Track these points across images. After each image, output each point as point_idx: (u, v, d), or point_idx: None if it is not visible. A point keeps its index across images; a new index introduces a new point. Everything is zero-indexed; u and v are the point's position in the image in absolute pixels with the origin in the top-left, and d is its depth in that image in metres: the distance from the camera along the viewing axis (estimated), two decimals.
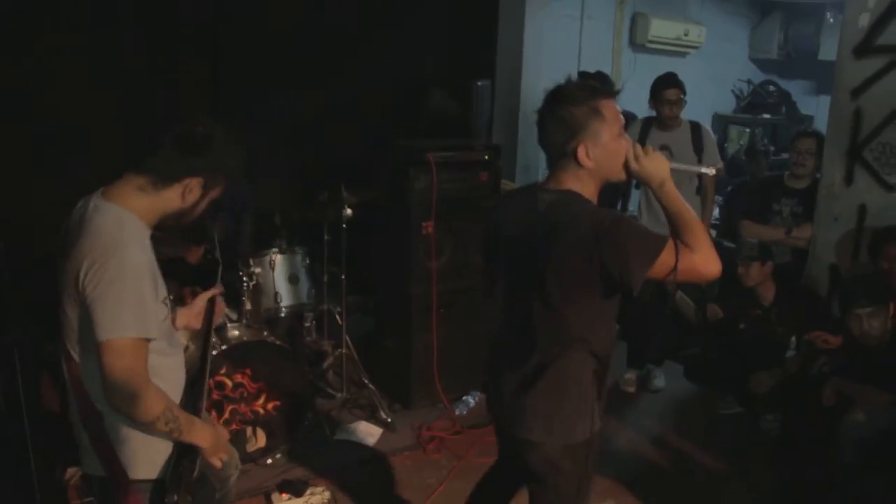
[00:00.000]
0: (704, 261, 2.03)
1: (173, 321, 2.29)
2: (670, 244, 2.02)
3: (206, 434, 2.17)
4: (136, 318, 1.93)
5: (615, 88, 2.20)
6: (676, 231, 2.08)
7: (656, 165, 2.13)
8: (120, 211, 2.01)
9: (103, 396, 1.97)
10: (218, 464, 2.26)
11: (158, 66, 4.71)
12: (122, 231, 1.97)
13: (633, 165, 2.12)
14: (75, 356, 2.04)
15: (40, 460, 3.11)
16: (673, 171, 2.17)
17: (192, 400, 2.25)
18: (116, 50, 4.55)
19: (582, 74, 5.63)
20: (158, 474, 2.13)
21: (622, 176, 2.17)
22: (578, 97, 2.08)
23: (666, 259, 2.00)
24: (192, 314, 2.52)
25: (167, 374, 2.14)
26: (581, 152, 2.08)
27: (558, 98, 2.11)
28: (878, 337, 3.56)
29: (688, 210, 2.12)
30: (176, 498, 2.06)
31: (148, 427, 2.02)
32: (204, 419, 2.36)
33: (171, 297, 2.16)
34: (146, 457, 2.11)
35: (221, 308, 2.62)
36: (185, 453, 2.14)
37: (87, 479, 2.19)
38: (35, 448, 3.06)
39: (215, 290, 2.57)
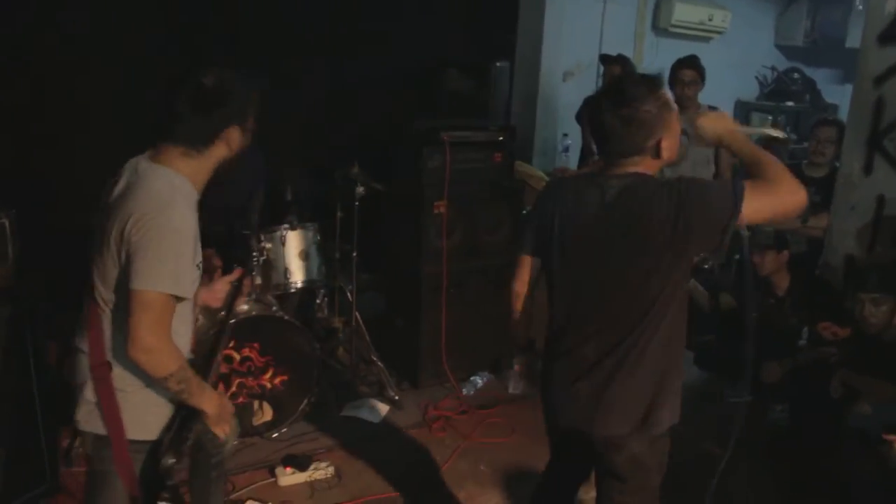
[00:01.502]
0: (790, 189, 2.03)
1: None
2: (752, 186, 2.01)
3: (213, 400, 2.21)
4: (173, 275, 1.99)
5: (659, 76, 2.21)
6: (756, 174, 2.07)
7: (719, 120, 2.24)
8: (171, 174, 2.08)
9: (121, 347, 2.01)
10: (221, 434, 2.31)
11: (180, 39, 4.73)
12: (174, 192, 2.05)
13: (702, 127, 2.20)
14: (102, 303, 2.09)
15: (48, 424, 3.16)
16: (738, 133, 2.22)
17: (201, 373, 2.26)
18: (135, 27, 4.58)
19: (603, 58, 5.58)
20: (155, 436, 2.15)
21: (674, 157, 2.22)
22: (644, 94, 2.10)
23: (750, 202, 1.98)
24: (213, 294, 2.58)
25: (178, 339, 2.15)
26: (664, 146, 2.13)
27: (623, 98, 2.10)
28: (879, 325, 3.51)
29: (761, 151, 2.14)
30: (172, 460, 2.09)
31: (160, 382, 2.06)
32: None
33: (201, 264, 2.20)
34: (145, 418, 2.14)
35: (247, 290, 2.64)
36: (185, 419, 2.16)
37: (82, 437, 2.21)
38: (43, 412, 3.11)
39: (238, 274, 2.60)
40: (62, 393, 2.29)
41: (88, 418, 2.13)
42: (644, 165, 2.16)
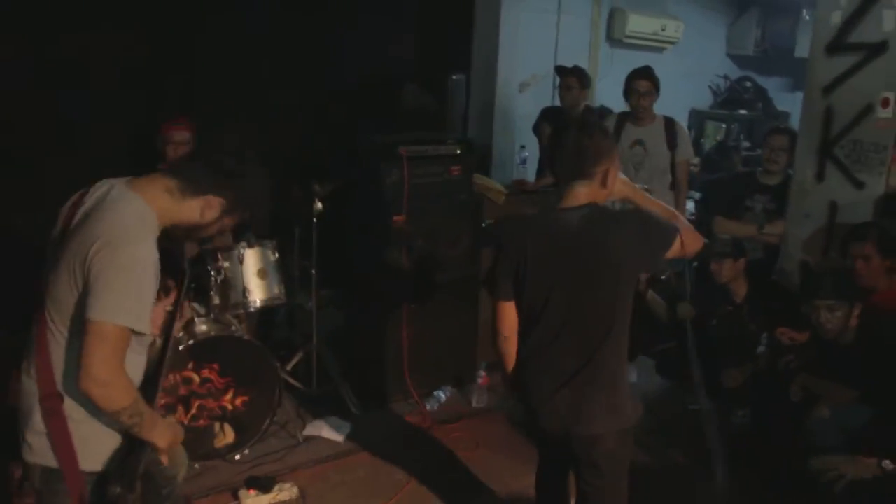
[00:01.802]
0: (695, 238, 2.54)
1: None
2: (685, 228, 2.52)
3: (165, 434, 2.17)
4: (135, 309, 1.96)
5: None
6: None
7: (627, 183, 2.66)
8: (144, 206, 2.05)
9: (73, 376, 1.96)
10: (165, 461, 2.27)
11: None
12: (142, 224, 2.02)
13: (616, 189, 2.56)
14: (53, 328, 2.03)
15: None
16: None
17: (147, 397, 2.20)
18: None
19: (559, 69, 5.62)
20: (102, 467, 2.10)
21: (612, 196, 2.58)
22: (597, 125, 2.56)
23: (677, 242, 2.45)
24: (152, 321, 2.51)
25: (132, 370, 2.11)
26: (611, 175, 2.46)
27: (585, 130, 2.45)
28: (835, 330, 3.57)
29: (660, 205, 2.66)
30: (118, 490, 2.03)
31: (111, 416, 2.01)
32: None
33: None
34: (95, 448, 2.09)
35: (185, 314, 2.58)
36: (133, 448, 2.11)
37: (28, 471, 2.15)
38: None
39: (173, 299, 2.48)
40: (8, 421, 2.22)
41: (37, 449, 2.07)
42: (592, 195, 2.45)
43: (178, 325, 2.50)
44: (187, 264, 2.36)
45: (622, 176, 2.60)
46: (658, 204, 2.67)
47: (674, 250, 2.45)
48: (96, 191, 2.08)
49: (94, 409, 2.02)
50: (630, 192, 2.66)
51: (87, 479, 2.08)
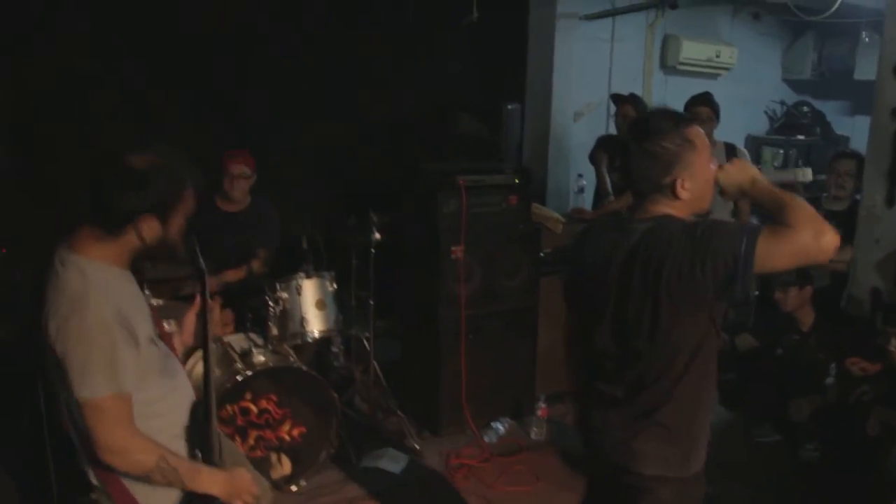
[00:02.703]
0: (814, 234, 1.86)
1: (173, 349, 2.24)
2: (766, 229, 1.90)
3: (215, 481, 2.10)
4: (106, 375, 1.88)
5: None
6: (779, 219, 1.93)
7: (742, 170, 2.13)
8: (84, 262, 1.95)
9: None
10: (249, 501, 2.17)
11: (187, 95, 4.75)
12: (86, 285, 1.91)
13: (723, 180, 2.12)
14: (66, 410, 2.00)
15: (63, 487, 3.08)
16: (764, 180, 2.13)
17: (201, 434, 2.18)
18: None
19: (614, 97, 5.57)
20: None
21: (707, 207, 2.19)
22: (667, 129, 2.08)
23: (765, 247, 1.87)
24: (186, 335, 2.48)
25: (167, 413, 2.09)
26: (679, 186, 2.08)
27: (646, 132, 2.10)
28: None
29: (785, 194, 1.99)
30: None
31: (145, 480, 1.97)
32: (227, 448, 2.29)
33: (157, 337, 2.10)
34: (161, 493, 2.05)
35: (217, 319, 2.53)
36: (193, 498, 2.07)
37: None
38: (58, 475, 3.03)
39: (197, 305, 2.44)
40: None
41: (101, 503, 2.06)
42: (668, 207, 2.12)
43: (211, 326, 2.35)
44: (202, 264, 2.25)
45: (745, 158, 2.33)
46: (775, 194, 2.02)
47: (773, 257, 1.88)
48: (51, 262, 1.98)
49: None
50: (744, 183, 2.11)
51: None
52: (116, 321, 1.91)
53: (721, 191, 2.16)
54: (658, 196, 2.12)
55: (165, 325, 2.44)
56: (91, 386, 1.87)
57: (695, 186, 2.09)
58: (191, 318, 2.49)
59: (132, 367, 1.94)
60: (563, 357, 2.57)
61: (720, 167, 2.14)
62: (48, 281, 1.94)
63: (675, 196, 2.09)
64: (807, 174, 2.33)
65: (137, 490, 2.03)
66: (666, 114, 2.16)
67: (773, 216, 1.97)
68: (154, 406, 2.03)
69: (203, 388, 2.23)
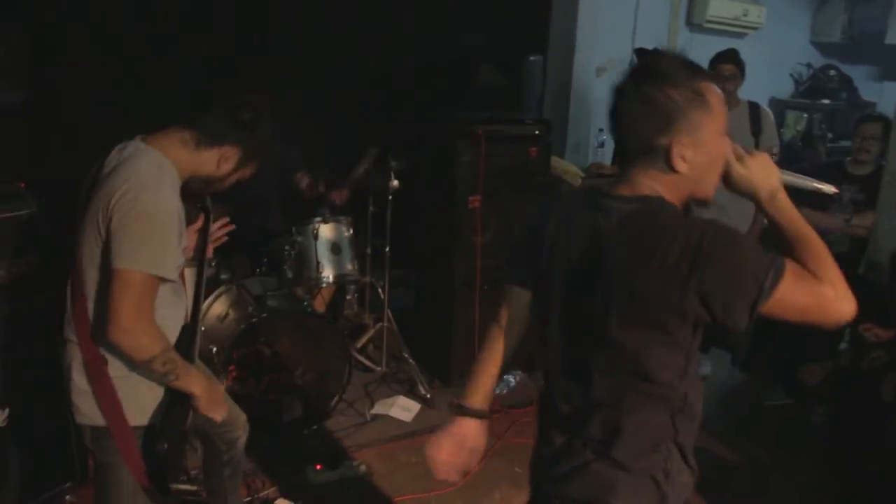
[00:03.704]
0: (837, 297, 1.49)
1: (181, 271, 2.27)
2: (795, 272, 1.49)
3: (200, 382, 2.17)
4: (155, 255, 1.95)
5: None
6: (793, 255, 1.55)
7: (766, 171, 1.65)
8: (160, 156, 2.05)
9: (105, 332, 1.96)
10: (217, 418, 2.26)
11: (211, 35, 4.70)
12: (161, 173, 2.02)
13: (738, 170, 1.65)
14: (89, 288, 2.04)
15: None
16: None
17: (185, 345, 2.22)
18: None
19: (638, 51, 5.46)
20: (149, 420, 2.11)
21: (710, 193, 1.67)
22: (678, 76, 1.57)
23: (787, 292, 1.46)
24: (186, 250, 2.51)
25: (168, 322, 2.13)
26: (676, 153, 1.56)
27: (650, 74, 1.59)
28: None
29: (809, 228, 1.60)
30: (166, 446, 2.05)
31: (143, 365, 2.01)
32: (197, 367, 2.34)
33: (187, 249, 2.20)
34: (139, 402, 2.10)
35: (215, 232, 2.58)
36: (176, 401, 2.13)
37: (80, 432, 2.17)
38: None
39: (201, 221, 2.49)
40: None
41: (84, 410, 2.09)
42: (660, 183, 1.60)
43: (210, 247, 2.50)
44: (209, 202, 2.41)
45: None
46: (799, 222, 1.61)
47: (783, 307, 1.46)
48: (114, 153, 2.09)
49: (131, 363, 2.03)
50: (763, 188, 1.64)
51: (136, 434, 2.09)
52: (177, 213, 2.02)
53: (726, 180, 1.68)
54: (648, 164, 1.60)
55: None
56: (138, 259, 1.93)
57: (697, 160, 1.58)
58: (192, 233, 2.52)
59: (173, 260, 2.02)
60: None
61: (738, 150, 1.67)
62: (117, 165, 2.01)
63: (670, 167, 1.58)
64: (829, 186, 1.91)
65: (124, 391, 2.06)
66: (681, 59, 1.62)
67: (787, 245, 1.60)
68: (160, 308, 2.06)
69: (192, 307, 2.32)
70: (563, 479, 1.73)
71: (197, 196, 2.26)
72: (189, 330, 2.26)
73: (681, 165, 1.57)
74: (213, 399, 2.23)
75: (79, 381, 2.07)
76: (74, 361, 2.07)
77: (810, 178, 1.86)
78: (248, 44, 4.86)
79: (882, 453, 3.42)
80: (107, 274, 1.96)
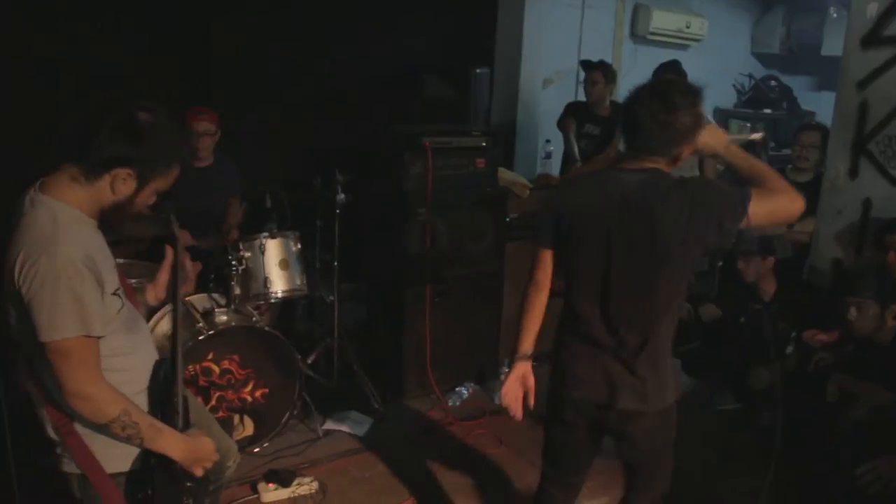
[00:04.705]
0: (790, 199, 2.27)
1: (136, 306, 2.21)
2: (757, 192, 2.22)
3: (176, 443, 2.05)
4: (75, 316, 1.84)
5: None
6: (757, 184, 2.28)
7: (718, 135, 2.37)
8: (54, 204, 1.91)
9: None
10: (198, 472, 2.10)
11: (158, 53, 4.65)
12: (56, 226, 1.87)
13: (701, 139, 2.28)
14: (34, 363, 1.95)
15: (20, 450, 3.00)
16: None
17: (161, 383, 2.15)
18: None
19: (584, 63, 5.54)
20: (131, 466, 2.04)
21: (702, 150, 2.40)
22: (687, 106, 2.19)
23: (756, 206, 2.19)
24: (159, 288, 2.43)
25: (129, 369, 2.06)
26: (683, 156, 2.28)
27: (666, 105, 2.17)
28: (865, 329, 3.49)
29: (757, 162, 2.39)
30: (149, 491, 1.99)
31: (106, 428, 1.93)
32: (194, 408, 2.27)
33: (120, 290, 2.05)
34: (115, 451, 2.02)
35: (191, 275, 2.49)
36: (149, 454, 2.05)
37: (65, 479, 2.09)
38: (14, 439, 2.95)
39: (171, 258, 2.40)
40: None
41: (65, 460, 2.03)
42: (661, 164, 2.28)
43: (182, 285, 2.38)
44: (176, 227, 2.27)
45: (711, 122, 2.43)
46: (751, 161, 2.38)
47: (758, 217, 2.19)
48: (19, 204, 1.95)
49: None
50: (718, 147, 2.36)
51: (118, 481, 2.03)
52: (85, 264, 1.87)
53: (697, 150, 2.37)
54: (657, 157, 2.26)
55: (133, 283, 2.42)
56: (59, 328, 1.83)
57: (688, 154, 2.32)
58: (164, 275, 2.43)
59: (99, 313, 1.90)
60: (525, 284, 2.53)
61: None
62: (16, 223, 1.90)
63: (675, 162, 2.28)
64: (757, 133, 2.76)
65: (96, 446, 2.00)
66: (685, 88, 2.24)
67: (750, 180, 2.31)
68: (116, 360, 1.99)
69: (170, 348, 2.21)
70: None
71: (118, 224, 2.09)
72: (167, 364, 2.18)
73: (679, 161, 2.29)
74: (193, 458, 2.08)
75: (53, 435, 2.02)
76: (45, 421, 2.01)
77: (743, 134, 2.58)
78: (190, 60, 4.80)
79: (828, 451, 3.48)
80: (39, 346, 1.87)
